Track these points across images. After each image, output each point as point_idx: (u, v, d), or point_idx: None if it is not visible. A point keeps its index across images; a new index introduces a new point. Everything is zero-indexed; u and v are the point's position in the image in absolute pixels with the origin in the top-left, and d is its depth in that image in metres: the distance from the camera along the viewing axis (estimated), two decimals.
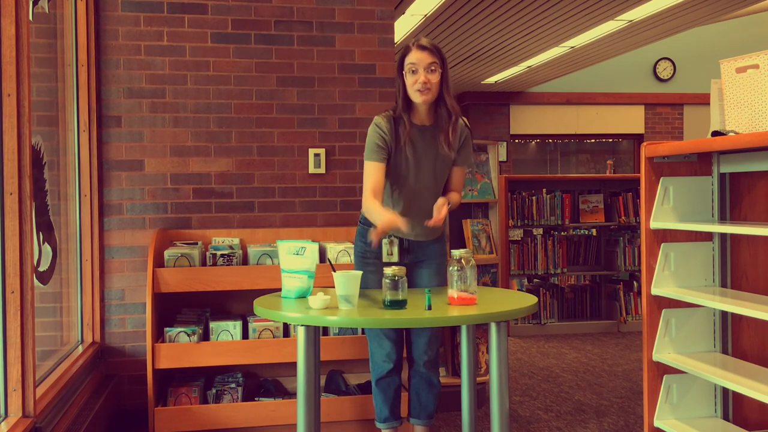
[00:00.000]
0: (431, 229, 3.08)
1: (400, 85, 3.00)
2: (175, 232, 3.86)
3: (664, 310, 2.64)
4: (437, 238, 3.21)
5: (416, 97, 2.95)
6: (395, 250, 3.08)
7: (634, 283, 6.52)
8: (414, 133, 3.01)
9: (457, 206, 3.19)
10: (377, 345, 3.14)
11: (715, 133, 2.52)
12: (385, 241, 3.07)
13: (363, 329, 3.52)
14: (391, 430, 3.26)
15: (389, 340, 3.13)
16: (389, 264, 3.01)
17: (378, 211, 2.87)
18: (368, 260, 3.11)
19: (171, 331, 3.52)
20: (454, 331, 4.12)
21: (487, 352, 4.10)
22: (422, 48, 2.93)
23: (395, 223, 2.77)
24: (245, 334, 3.64)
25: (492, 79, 10.05)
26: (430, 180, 3.08)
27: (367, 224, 3.06)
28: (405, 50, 2.97)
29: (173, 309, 3.77)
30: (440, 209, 2.90)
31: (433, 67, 2.92)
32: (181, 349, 3.48)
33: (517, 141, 11.69)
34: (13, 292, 2.40)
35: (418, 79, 2.91)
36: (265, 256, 3.71)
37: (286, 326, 3.64)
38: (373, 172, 3.00)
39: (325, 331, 3.65)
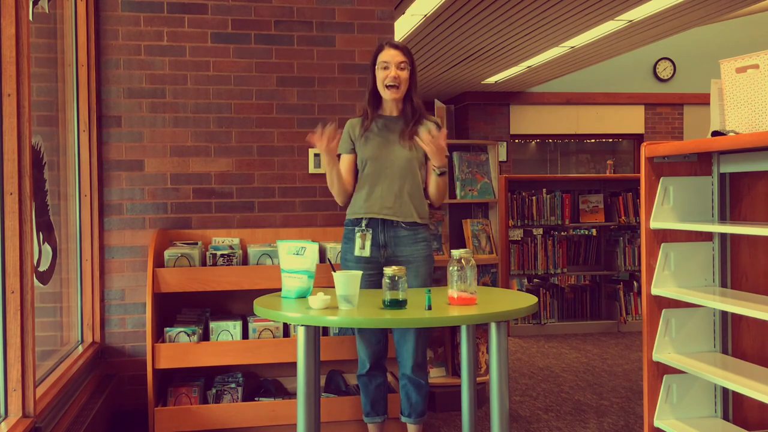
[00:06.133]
0: (399, 207, 3.15)
1: (371, 80, 3.22)
2: (175, 232, 3.86)
3: (664, 310, 2.64)
4: (418, 237, 3.19)
5: (385, 93, 3.18)
6: (367, 244, 3.15)
7: (634, 283, 6.52)
8: (379, 123, 3.23)
9: (442, 189, 3.23)
10: (357, 343, 3.29)
11: (715, 133, 2.52)
12: (358, 234, 3.15)
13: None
14: (374, 425, 3.31)
15: (361, 338, 3.23)
16: (360, 259, 3.13)
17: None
18: (349, 263, 3.19)
19: (171, 331, 3.53)
20: (454, 331, 4.12)
21: (487, 352, 4.10)
22: (394, 47, 3.18)
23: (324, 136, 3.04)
24: (245, 334, 3.64)
25: (492, 79, 10.04)
26: (401, 164, 3.16)
27: (349, 225, 3.22)
28: (378, 48, 3.22)
29: (173, 309, 3.78)
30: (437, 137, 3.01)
31: (402, 66, 3.14)
32: (181, 349, 3.48)
33: (517, 141, 11.68)
34: (13, 292, 2.40)
35: (389, 74, 3.13)
36: (265, 256, 3.71)
37: (286, 326, 3.64)
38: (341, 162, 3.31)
39: (325, 331, 3.65)
